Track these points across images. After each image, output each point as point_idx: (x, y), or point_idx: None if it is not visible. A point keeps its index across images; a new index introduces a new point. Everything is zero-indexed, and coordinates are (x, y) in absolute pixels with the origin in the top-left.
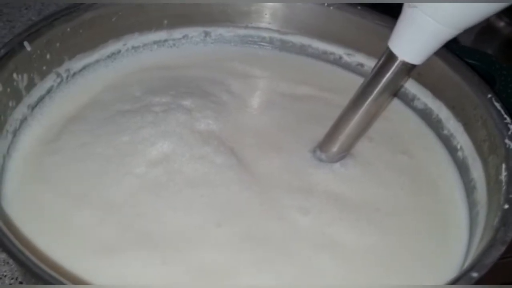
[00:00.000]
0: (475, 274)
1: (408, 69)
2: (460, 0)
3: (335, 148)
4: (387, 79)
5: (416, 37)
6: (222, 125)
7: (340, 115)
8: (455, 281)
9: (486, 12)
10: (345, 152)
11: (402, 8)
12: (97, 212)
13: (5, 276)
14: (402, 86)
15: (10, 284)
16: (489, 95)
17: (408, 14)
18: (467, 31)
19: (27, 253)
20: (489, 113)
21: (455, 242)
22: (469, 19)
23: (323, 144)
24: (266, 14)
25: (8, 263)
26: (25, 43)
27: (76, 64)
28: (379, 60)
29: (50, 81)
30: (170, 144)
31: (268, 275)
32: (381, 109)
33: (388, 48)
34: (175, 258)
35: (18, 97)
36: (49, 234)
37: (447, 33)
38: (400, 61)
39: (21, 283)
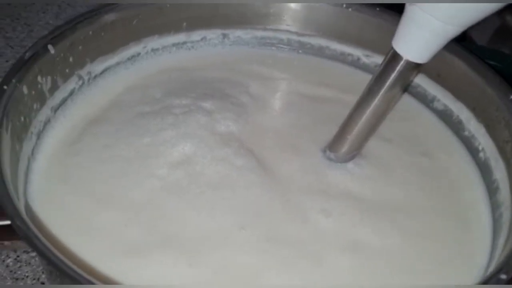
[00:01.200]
0: (503, 276)
1: (413, 68)
2: None
3: (344, 148)
4: (392, 78)
5: (418, 36)
6: (241, 127)
7: (348, 115)
8: (484, 283)
9: (486, 10)
10: (355, 152)
11: (404, 7)
12: (121, 213)
13: (27, 276)
14: (411, 83)
15: (32, 284)
16: (511, 96)
17: (409, 13)
18: (483, 31)
19: (56, 251)
20: None
21: (479, 244)
22: (469, 16)
23: (332, 144)
24: (284, 16)
25: (30, 263)
26: (49, 46)
27: (97, 66)
28: (384, 60)
29: (72, 83)
30: (191, 146)
31: (293, 276)
32: (389, 108)
33: (392, 47)
34: (200, 260)
35: (42, 100)
36: (74, 234)
37: (448, 30)
38: (405, 61)
39: (42, 283)
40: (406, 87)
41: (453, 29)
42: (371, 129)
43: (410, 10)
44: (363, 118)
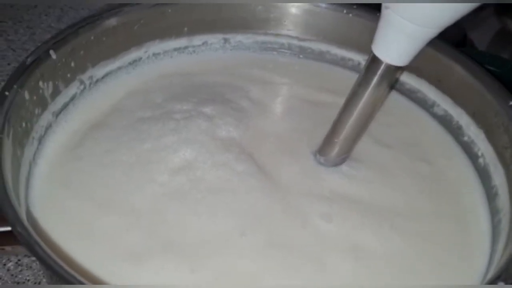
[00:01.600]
0: (502, 283)
1: (394, 70)
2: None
3: (333, 151)
4: (375, 81)
5: (395, 39)
6: (242, 132)
7: (335, 118)
8: None
9: (459, 11)
10: (345, 155)
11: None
12: (122, 218)
13: (28, 280)
14: (397, 81)
15: None
16: (511, 102)
17: (385, 16)
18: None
19: (56, 257)
20: (511, 120)
21: (477, 249)
22: (442, 18)
23: (322, 148)
24: (285, 21)
25: (31, 267)
26: (51, 52)
27: (99, 71)
28: (365, 64)
29: (74, 88)
30: (192, 152)
31: (295, 281)
32: (376, 109)
33: (371, 51)
34: (202, 265)
35: (43, 105)
36: (75, 239)
37: (424, 32)
38: (385, 64)
39: None
40: (392, 84)
41: (429, 31)
42: (358, 131)
43: (386, 14)
44: (349, 121)
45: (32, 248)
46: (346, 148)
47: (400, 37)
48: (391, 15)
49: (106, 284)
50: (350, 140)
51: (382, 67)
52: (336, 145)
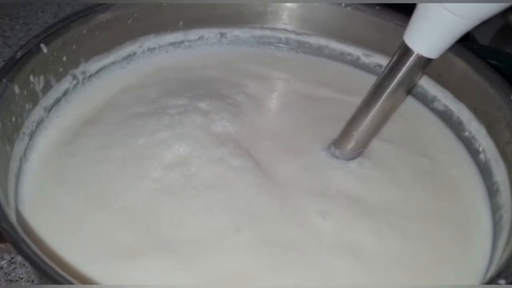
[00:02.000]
0: (502, 281)
1: (424, 64)
2: None
3: (350, 144)
4: (402, 73)
5: (431, 30)
6: (238, 128)
7: (355, 111)
8: None
9: (501, 4)
10: (361, 149)
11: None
12: (114, 216)
13: (21, 278)
14: (416, 84)
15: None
16: None
17: (423, 6)
18: (486, 31)
19: (44, 257)
20: None
21: (478, 245)
22: (485, 10)
23: (338, 141)
24: (282, 15)
25: (24, 265)
26: (42, 45)
27: (92, 66)
28: (394, 55)
29: (66, 83)
30: (187, 147)
31: (289, 280)
32: (396, 105)
33: (403, 42)
34: (194, 263)
35: (34, 100)
36: (67, 238)
37: (462, 24)
38: (416, 55)
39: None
40: (410, 88)
41: (466, 24)
42: (378, 125)
43: (425, 4)
44: (371, 113)
45: (18, 245)
46: (363, 142)
47: (437, 28)
48: (432, 6)
49: (96, 284)
50: (368, 134)
51: (413, 58)
52: (353, 138)
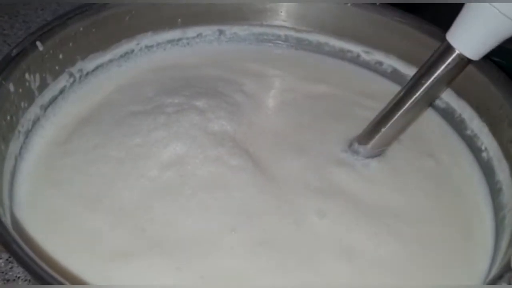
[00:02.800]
0: (504, 283)
1: (463, 65)
2: None
3: (373, 141)
4: (441, 72)
5: (477, 30)
6: (236, 126)
7: (386, 107)
8: None
9: None
10: (384, 147)
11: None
12: (109, 217)
13: (19, 278)
14: (437, 97)
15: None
16: None
17: (472, 6)
18: None
19: (36, 258)
20: None
21: (480, 247)
22: None
23: (363, 137)
24: (281, 12)
25: None
26: (38, 43)
27: (89, 64)
28: (434, 53)
29: (63, 81)
30: (183, 146)
31: (284, 281)
32: (427, 105)
33: (445, 40)
34: (189, 264)
35: (30, 98)
36: (61, 238)
37: (510, 27)
38: (457, 55)
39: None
40: (431, 101)
41: None
42: (408, 123)
43: (474, 4)
44: (402, 110)
45: (9, 247)
46: (388, 139)
47: (482, 28)
48: (480, 4)
49: (88, 284)
50: (397, 131)
51: (454, 57)
52: (379, 135)
